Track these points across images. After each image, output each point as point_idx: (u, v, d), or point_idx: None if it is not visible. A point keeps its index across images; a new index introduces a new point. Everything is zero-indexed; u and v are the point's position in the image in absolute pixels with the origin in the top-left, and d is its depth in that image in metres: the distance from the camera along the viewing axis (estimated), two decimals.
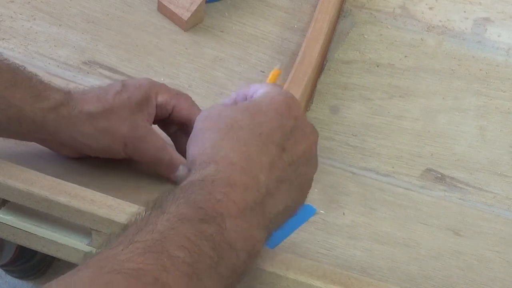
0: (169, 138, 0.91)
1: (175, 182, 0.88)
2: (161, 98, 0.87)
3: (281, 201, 0.68)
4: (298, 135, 0.70)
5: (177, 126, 0.90)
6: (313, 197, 0.93)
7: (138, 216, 0.62)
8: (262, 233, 0.65)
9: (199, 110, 0.89)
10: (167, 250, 0.58)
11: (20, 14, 1.07)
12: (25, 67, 0.84)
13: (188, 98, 0.90)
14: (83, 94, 0.85)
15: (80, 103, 0.84)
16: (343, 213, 0.92)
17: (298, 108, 0.71)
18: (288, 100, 0.70)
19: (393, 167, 0.97)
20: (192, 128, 0.88)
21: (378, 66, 1.06)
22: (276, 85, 0.72)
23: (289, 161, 0.69)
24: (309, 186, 0.72)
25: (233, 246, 0.62)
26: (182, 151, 0.89)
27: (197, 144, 0.68)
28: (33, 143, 0.87)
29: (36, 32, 1.05)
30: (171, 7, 1.07)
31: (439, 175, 0.97)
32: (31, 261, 1.67)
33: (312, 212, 0.91)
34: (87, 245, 0.80)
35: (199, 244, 0.60)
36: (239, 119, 0.68)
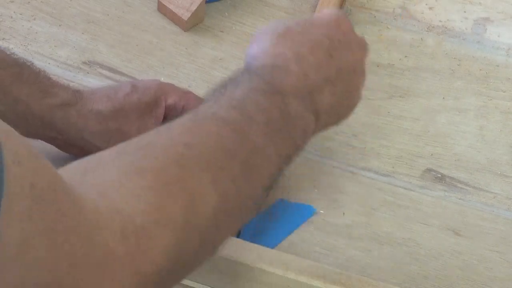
0: None
1: None
2: (170, 100, 0.88)
3: (328, 99, 0.76)
4: (345, 47, 0.78)
5: None
6: (313, 197, 0.93)
7: (216, 87, 0.72)
8: (312, 117, 0.74)
9: None
10: (247, 110, 0.68)
11: (20, 14, 1.07)
12: (32, 63, 0.84)
13: (196, 96, 0.90)
14: (93, 93, 0.85)
15: (90, 102, 0.84)
16: (343, 213, 0.92)
17: (348, 25, 0.80)
18: (338, 18, 0.80)
19: (393, 167, 0.97)
20: None
21: (378, 66, 1.06)
22: (332, 10, 0.83)
23: (335, 67, 0.77)
24: (358, 96, 0.81)
25: (293, 119, 0.72)
26: None
27: (256, 45, 0.77)
28: (36, 144, 0.87)
29: (36, 32, 1.05)
30: (171, 7, 1.07)
31: (439, 175, 0.97)
32: None
33: (311, 212, 0.92)
34: None
35: (271, 110, 0.70)
36: (293, 28, 0.77)
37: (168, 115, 0.88)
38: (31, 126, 0.83)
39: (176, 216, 0.57)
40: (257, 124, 0.68)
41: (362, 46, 0.81)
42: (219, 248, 0.65)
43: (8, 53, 0.82)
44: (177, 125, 0.65)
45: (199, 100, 0.89)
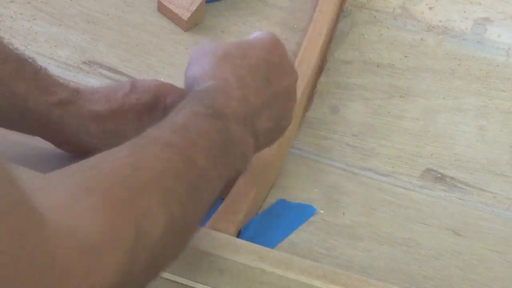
0: None
1: None
2: (170, 100, 0.87)
3: (265, 123, 0.77)
4: (280, 72, 0.79)
5: None
6: (313, 197, 0.93)
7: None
8: (252, 140, 0.76)
9: None
10: (189, 133, 0.69)
11: (20, 14, 1.07)
12: (34, 59, 0.84)
13: None
14: (92, 93, 0.85)
15: (89, 102, 0.84)
16: (343, 213, 0.92)
17: (283, 48, 0.81)
18: (274, 41, 0.80)
19: (393, 167, 0.97)
20: None
21: (378, 66, 1.06)
22: (267, 32, 0.82)
23: (272, 91, 0.78)
24: (290, 118, 0.82)
25: (234, 143, 0.73)
26: None
27: (197, 66, 0.78)
28: (33, 143, 0.87)
29: (36, 32, 1.05)
30: (171, 7, 1.07)
31: (439, 175, 0.97)
32: None
33: (312, 212, 0.92)
34: None
35: (212, 134, 0.71)
36: (232, 51, 0.78)
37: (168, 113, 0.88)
38: (28, 122, 0.83)
39: (127, 235, 0.59)
40: (201, 148, 0.69)
41: (293, 71, 0.81)
42: (164, 270, 0.66)
43: (10, 47, 0.83)
44: (123, 149, 0.66)
45: None
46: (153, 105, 0.86)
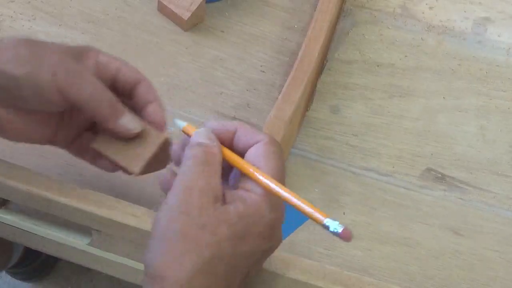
0: None
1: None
2: (102, 57, 0.79)
3: None
4: (265, 256, 0.69)
5: (123, 96, 0.81)
6: (313, 197, 0.93)
7: None
8: None
9: (145, 78, 0.82)
10: None
11: (20, 14, 1.07)
12: None
13: (133, 67, 0.82)
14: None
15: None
16: (343, 213, 0.92)
17: (280, 227, 0.68)
18: (277, 220, 0.67)
19: (393, 167, 0.97)
20: (137, 96, 0.80)
21: (378, 66, 1.06)
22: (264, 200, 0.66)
23: (247, 279, 0.68)
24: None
25: None
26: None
27: (171, 256, 0.63)
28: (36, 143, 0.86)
29: (36, 32, 1.05)
30: (171, 7, 1.07)
31: (439, 175, 0.97)
32: (35, 262, 1.67)
33: None
34: (87, 244, 0.80)
35: None
36: (222, 248, 0.63)
37: (100, 75, 0.78)
38: None
39: None
40: None
41: (275, 242, 0.69)
42: None
43: None
44: None
45: (135, 70, 0.82)
46: (82, 52, 0.78)
